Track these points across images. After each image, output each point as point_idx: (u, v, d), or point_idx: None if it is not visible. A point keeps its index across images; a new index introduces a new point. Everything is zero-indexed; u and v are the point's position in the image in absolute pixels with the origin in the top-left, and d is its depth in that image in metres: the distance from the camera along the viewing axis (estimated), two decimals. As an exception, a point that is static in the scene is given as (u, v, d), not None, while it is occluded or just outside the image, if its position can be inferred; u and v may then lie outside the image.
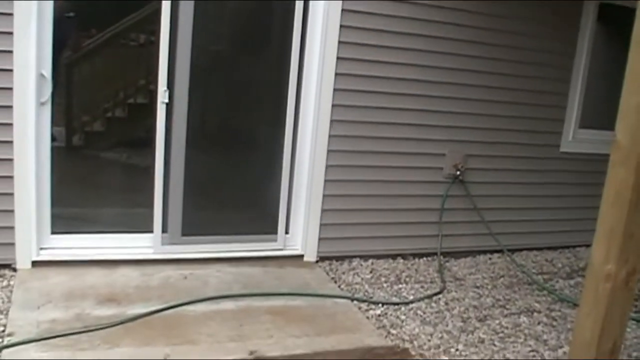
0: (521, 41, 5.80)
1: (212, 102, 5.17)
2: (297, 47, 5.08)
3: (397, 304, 4.82)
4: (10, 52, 4.46)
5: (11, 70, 4.48)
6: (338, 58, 5.15)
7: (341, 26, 5.09)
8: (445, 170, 5.73)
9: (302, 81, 5.19)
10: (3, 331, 3.84)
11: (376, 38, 5.25)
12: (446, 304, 4.93)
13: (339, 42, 5.13)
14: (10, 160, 4.58)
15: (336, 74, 5.18)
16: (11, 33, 4.43)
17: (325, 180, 5.35)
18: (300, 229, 5.42)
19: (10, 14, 4.41)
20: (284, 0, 5.04)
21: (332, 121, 5.25)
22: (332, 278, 5.17)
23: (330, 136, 5.27)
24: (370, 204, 5.57)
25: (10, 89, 4.49)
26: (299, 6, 4.99)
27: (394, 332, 4.36)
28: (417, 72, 5.45)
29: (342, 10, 5.07)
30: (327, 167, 5.33)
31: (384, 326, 4.43)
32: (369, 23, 5.20)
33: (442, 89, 5.57)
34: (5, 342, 3.70)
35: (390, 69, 5.35)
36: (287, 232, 5.42)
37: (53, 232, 4.88)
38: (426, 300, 4.94)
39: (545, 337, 4.53)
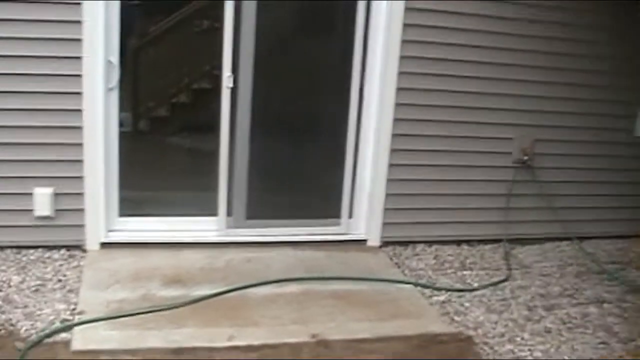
0: (593, 20, 5.59)
1: (276, 86, 5.19)
2: (362, 30, 5.05)
3: (462, 290, 4.76)
4: (80, 40, 4.58)
5: (80, 58, 4.60)
6: (403, 41, 5.09)
7: (406, 8, 5.03)
8: (514, 154, 5.61)
9: (366, 64, 5.16)
10: (74, 309, 3.98)
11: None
12: (512, 291, 4.83)
13: (404, 24, 5.06)
14: (80, 145, 4.72)
15: (400, 57, 5.11)
16: (80, 22, 4.55)
17: (390, 165, 5.30)
18: (364, 214, 5.39)
19: (79, 3, 4.52)
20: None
21: (396, 104, 5.20)
22: (396, 263, 5.14)
23: (394, 120, 5.22)
24: (435, 189, 5.50)
25: (80, 75, 4.63)
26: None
27: (457, 319, 4.30)
28: (485, 54, 5.34)
29: None
30: (391, 151, 5.27)
31: (447, 313, 4.38)
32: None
33: (510, 71, 5.44)
34: (76, 320, 3.84)
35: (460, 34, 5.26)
36: (350, 217, 5.41)
37: (121, 215, 5.02)
38: (491, 288, 4.85)
39: (616, 328, 4.36)
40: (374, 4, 5.04)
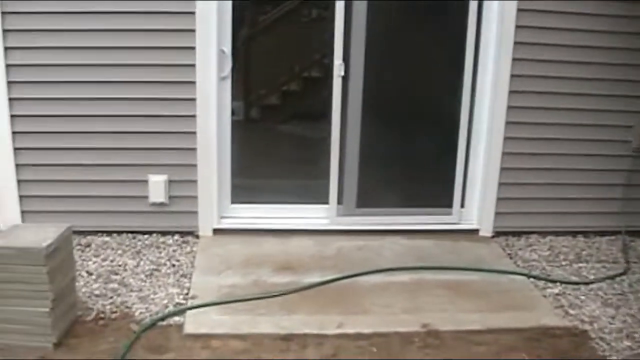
0: None
1: (386, 74, 5.12)
2: (475, 13, 4.90)
3: (577, 283, 4.54)
4: (193, 30, 4.68)
5: (194, 48, 4.71)
6: (517, 27, 4.90)
7: None
8: (634, 143, 5.29)
9: (479, 51, 5.01)
10: (187, 294, 4.08)
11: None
12: (630, 285, 4.56)
13: (518, 9, 4.88)
14: (194, 133, 4.84)
15: (515, 42, 4.92)
16: (193, 13, 4.65)
17: (503, 153, 5.13)
18: (476, 203, 5.26)
19: (193, -5, 4.62)
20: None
21: (510, 92, 5.02)
22: (508, 254, 4.98)
23: (508, 107, 5.04)
24: (549, 178, 5.28)
25: (193, 65, 4.74)
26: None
27: (572, 312, 4.10)
28: (603, 39, 5.07)
29: None
30: (505, 139, 5.10)
31: (561, 306, 4.19)
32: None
33: (629, 56, 5.12)
34: (189, 304, 3.92)
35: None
36: (462, 206, 5.28)
37: (233, 202, 5.12)
38: (608, 281, 4.60)
39: None
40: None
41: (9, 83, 4.66)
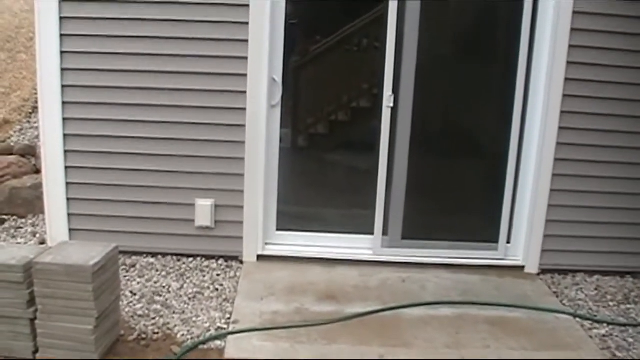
0: None
1: (435, 105, 5.12)
2: (526, 49, 4.87)
3: (625, 325, 4.42)
4: (245, 58, 4.75)
5: (245, 75, 4.77)
6: (568, 63, 4.86)
7: (572, 29, 4.81)
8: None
9: (529, 86, 4.97)
10: (229, 318, 4.08)
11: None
12: (681, 329, 4.45)
13: (570, 46, 4.84)
14: (242, 159, 4.88)
15: (566, 79, 4.88)
16: (246, 40, 4.73)
17: (551, 190, 5.06)
18: (523, 239, 5.17)
19: (246, 23, 4.70)
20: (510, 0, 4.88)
21: (560, 128, 4.96)
22: (554, 292, 4.88)
23: (557, 144, 4.99)
24: (597, 216, 5.17)
25: (244, 92, 4.80)
26: (527, 6, 4.78)
27: (619, 355, 4.00)
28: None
29: (573, 12, 4.78)
30: (554, 176, 5.04)
31: (608, 347, 4.08)
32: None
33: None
34: (230, 329, 3.93)
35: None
36: (508, 242, 5.20)
37: (278, 229, 5.14)
38: (657, 324, 4.50)
39: None
40: (537, 31, 4.88)
41: (64, 104, 4.78)
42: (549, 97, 4.89)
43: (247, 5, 4.67)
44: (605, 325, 4.39)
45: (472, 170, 5.27)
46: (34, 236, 5.44)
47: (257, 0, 4.66)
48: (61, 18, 4.68)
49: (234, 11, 4.69)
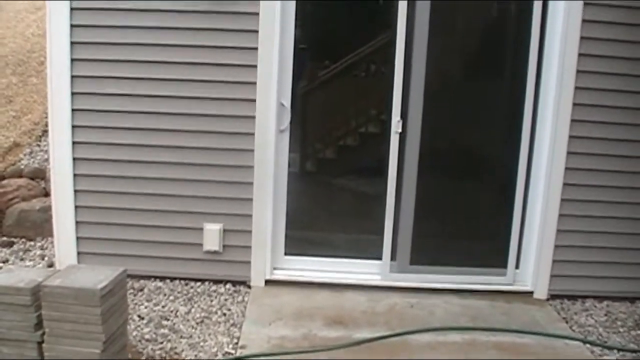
0: None
1: (443, 131, 5.13)
2: (534, 72, 4.89)
3: (636, 351, 4.39)
4: (254, 83, 4.78)
5: (254, 100, 4.80)
6: (576, 88, 4.87)
7: (581, 38, 4.81)
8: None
9: (537, 110, 4.99)
10: (237, 343, 4.07)
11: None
12: (693, 355, 4.40)
13: (577, 71, 4.86)
14: (250, 184, 4.90)
15: (574, 104, 4.89)
16: (255, 66, 4.76)
17: (560, 215, 5.05)
18: (531, 265, 5.15)
19: (255, 48, 4.74)
20: (517, 24, 4.92)
21: (568, 153, 4.97)
22: (563, 318, 4.84)
23: (566, 168, 4.99)
24: (608, 242, 5.15)
25: (253, 117, 4.82)
26: (535, 27, 4.81)
27: (630, 381, 3.98)
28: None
29: (582, 20, 4.79)
30: (562, 200, 5.03)
31: (619, 374, 4.07)
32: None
33: None
34: (238, 354, 3.91)
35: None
36: (517, 267, 5.18)
37: (286, 254, 5.13)
38: (670, 350, 4.46)
39: None
40: (545, 54, 4.90)
41: (74, 127, 4.82)
42: (557, 121, 4.90)
43: (256, 31, 4.72)
44: (615, 351, 4.36)
45: (481, 195, 5.28)
46: (43, 259, 5.45)
47: (266, 25, 4.70)
48: (72, 43, 4.73)
49: (243, 36, 4.74)
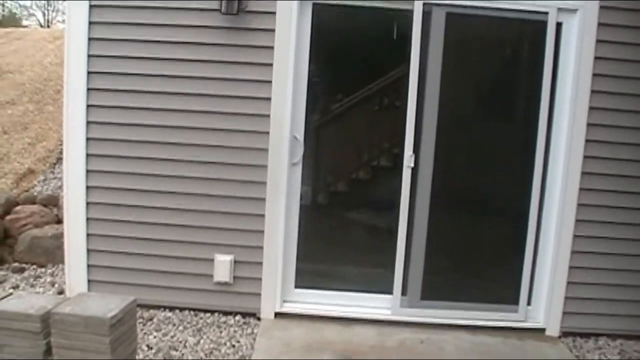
0: None
1: (455, 165, 5.13)
2: (546, 110, 4.90)
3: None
4: (268, 116, 4.82)
5: (267, 133, 4.83)
6: (588, 124, 4.89)
7: (594, 75, 4.85)
8: None
9: (550, 146, 5.00)
10: (245, 376, 4.03)
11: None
12: None
13: (590, 107, 4.88)
14: (262, 216, 4.91)
15: (586, 140, 4.90)
16: (269, 98, 4.80)
17: (572, 251, 5.03)
18: (543, 301, 5.11)
19: (269, 81, 4.79)
20: (529, 61, 4.94)
21: (580, 189, 4.96)
22: (576, 356, 4.79)
23: (578, 205, 4.98)
24: (620, 279, 5.11)
25: (266, 150, 4.85)
26: (547, 66, 4.84)
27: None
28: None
29: (595, 58, 4.84)
30: (575, 237, 5.01)
31: (633, 414, 4.00)
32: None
33: None
34: (246, 387, 3.88)
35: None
36: (529, 304, 5.14)
37: (296, 286, 5.12)
38: (684, 391, 4.39)
39: None
40: (558, 89, 4.93)
41: (88, 156, 4.86)
42: (570, 158, 4.92)
43: (271, 64, 4.77)
44: (628, 392, 4.31)
45: (493, 230, 5.25)
46: (53, 286, 5.47)
47: (280, 59, 4.75)
48: (89, 72, 4.80)
49: (257, 69, 4.79)
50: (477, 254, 5.19)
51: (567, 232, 4.99)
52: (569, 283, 5.06)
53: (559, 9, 4.82)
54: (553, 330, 5.09)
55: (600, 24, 4.80)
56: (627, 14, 4.82)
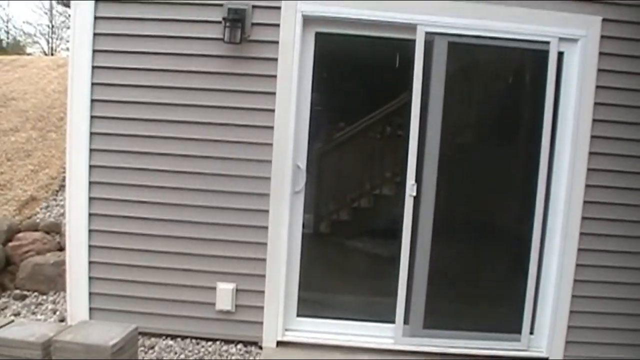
0: None
1: (457, 194, 5.14)
2: (548, 137, 4.92)
3: None
4: (270, 144, 4.84)
5: (270, 161, 4.85)
6: (590, 153, 4.92)
7: (595, 103, 4.89)
8: None
9: (552, 175, 5.01)
10: (245, 406, 3.99)
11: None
12: None
13: (592, 136, 4.91)
14: (264, 244, 4.91)
15: (588, 169, 4.93)
16: (272, 127, 4.82)
17: (575, 280, 5.02)
18: (546, 331, 5.09)
19: (272, 110, 4.81)
20: (532, 90, 4.97)
21: (583, 218, 4.97)
22: (579, 385, 4.77)
23: (581, 234, 4.98)
24: (625, 308, 5.10)
25: (268, 178, 4.86)
26: (549, 96, 4.88)
27: None
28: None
29: (596, 87, 4.88)
30: (577, 266, 5.01)
31: None
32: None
33: None
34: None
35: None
36: (531, 332, 5.12)
37: (298, 315, 5.09)
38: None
39: None
40: (559, 117, 4.96)
41: (91, 183, 4.88)
42: (572, 186, 4.94)
43: (274, 93, 4.80)
44: None
45: (495, 259, 5.24)
46: (54, 313, 5.45)
47: (283, 88, 4.78)
48: (92, 100, 4.83)
49: (260, 98, 4.83)
50: (480, 283, 5.18)
51: (570, 261, 4.99)
52: (571, 312, 5.04)
53: (561, 39, 4.86)
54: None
55: (601, 53, 4.85)
56: (628, 44, 4.87)
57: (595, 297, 5.05)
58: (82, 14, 4.82)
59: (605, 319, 5.09)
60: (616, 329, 5.10)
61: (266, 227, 4.89)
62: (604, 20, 4.84)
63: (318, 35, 4.91)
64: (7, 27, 28.18)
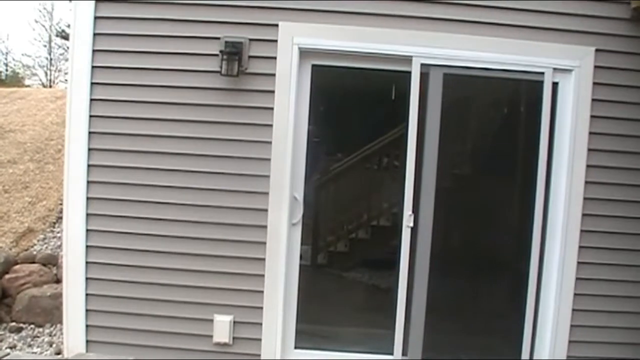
0: None
1: (454, 224, 5.16)
2: (544, 167, 4.94)
3: None
4: (267, 176, 4.85)
5: (267, 193, 4.86)
6: (586, 182, 4.93)
7: (590, 133, 4.90)
8: None
9: (549, 203, 5.01)
10: None
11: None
12: None
13: (587, 165, 4.93)
14: (262, 275, 4.89)
15: (585, 198, 4.93)
16: (269, 159, 4.84)
17: (573, 310, 5.00)
18: (546, 357, 5.05)
19: (269, 142, 4.84)
20: (527, 120, 5.01)
21: (580, 247, 4.96)
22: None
23: (578, 263, 4.97)
24: (623, 339, 5.04)
25: (266, 210, 4.86)
26: (544, 127, 4.90)
27: None
28: None
29: (591, 116, 4.90)
30: (576, 295, 4.99)
31: None
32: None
33: None
34: None
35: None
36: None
37: (296, 347, 5.05)
38: None
39: None
40: (555, 149, 4.98)
41: (88, 215, 4.88)
42: (569, 215, 4.94)
43: (271, 125, 4.82)
44: None
45: (493, 288, 5.25)
46: (51, 346, 5.42)
47: (280, 120, 4.81)
48: (90, 132, 4.85)
49: (257, 130, 4.85)
50: (478, 313, 5.18)
51: (568, 290, 4.97)
52: (570, 342, 5.01)
53: (555, 69, 4.90)
54: (554, 388, 5.05)
55: (595, 84, 4.89)
56: (622, 74, 4.91)
57: (594, 327, 5.02)
58: (80, 55, 4.87)
59: (604, 348, 5.04)
60: (616, 359, 5.07)
61: (263, 259, 4.88)
62: (597, 50, 4.89)
63: (314, 67, 4.94)
64: (6, 59, 28.25)
